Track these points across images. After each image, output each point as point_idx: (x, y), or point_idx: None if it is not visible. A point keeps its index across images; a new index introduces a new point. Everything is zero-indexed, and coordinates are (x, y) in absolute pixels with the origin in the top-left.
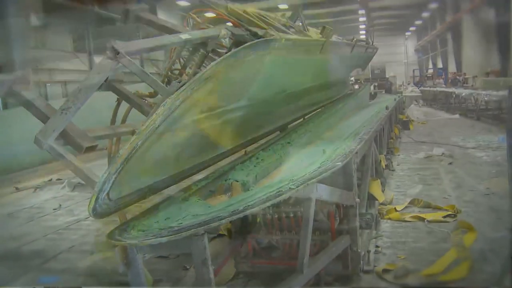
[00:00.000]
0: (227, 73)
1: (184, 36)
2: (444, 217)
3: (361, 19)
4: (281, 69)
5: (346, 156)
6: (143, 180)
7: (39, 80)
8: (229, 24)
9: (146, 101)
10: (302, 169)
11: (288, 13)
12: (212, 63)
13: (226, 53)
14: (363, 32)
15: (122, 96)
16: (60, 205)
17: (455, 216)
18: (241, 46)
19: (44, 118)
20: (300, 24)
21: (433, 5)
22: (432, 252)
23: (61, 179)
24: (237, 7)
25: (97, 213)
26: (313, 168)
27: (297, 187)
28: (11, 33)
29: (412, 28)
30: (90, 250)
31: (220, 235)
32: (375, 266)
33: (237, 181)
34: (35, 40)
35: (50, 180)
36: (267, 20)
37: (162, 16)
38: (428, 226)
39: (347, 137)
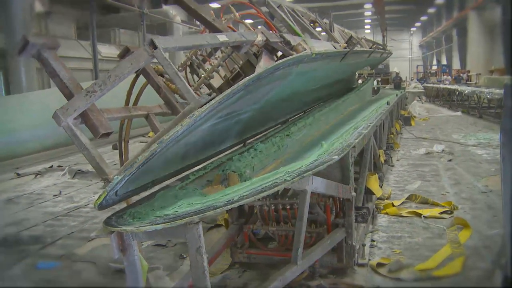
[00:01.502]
0: (255, 86)
1: (222, 38)
2: (441, 213)
3: (367, 13)
4: (302, 76)
5: (343, 149)
6: (150, 176)
7: (42, 68)
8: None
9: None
10: (299, 161)
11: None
12: (245, 81)
13: (254, 54)
14: (368, 26)
15: (154, 86)
16: (61, 191)
17: (451, 212)
18: (274, 65)
19: (65, 90)
20: (326, 22)
21: (439, 1)
22: (427, 247)
23: (61, 166)
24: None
25: (102, 207)
26: (309, 160)
27: (292, 179)
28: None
29: (417, 24)
30: (89, 236)
31: (217, 225)
32: (369, 260)
33: (234, 172)
34: (39, 27)
35: (51, 166)
36: (298, 18)
37: (167, 6)
38: (425, 221)
39: (345, 131)
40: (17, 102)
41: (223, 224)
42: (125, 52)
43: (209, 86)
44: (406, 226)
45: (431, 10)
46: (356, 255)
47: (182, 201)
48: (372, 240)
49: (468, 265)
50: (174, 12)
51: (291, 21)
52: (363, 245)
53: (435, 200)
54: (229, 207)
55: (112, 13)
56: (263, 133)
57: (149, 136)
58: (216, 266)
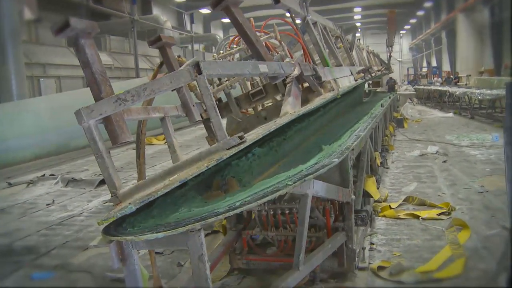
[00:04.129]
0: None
1: (263, 69)
2: (439, 214)
3: (356, 17)
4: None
5: (343, 152)
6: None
7: (32, 75)
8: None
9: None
10: (298, 165)
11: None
12: (279, 124)
13: (283, 81)
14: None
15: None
16: (54, 200)
17: (449, 213)
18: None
19: (94, 86)
20: (348, 41)
21: (427, 4)
22: (427, 249)
23: (54, 175)
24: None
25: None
26: (309, 164)
27: (294, 183)
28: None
29: (407, 27)
30: (84, 245)
31: (214, 232)
32: (370, 263)
33: (233, 177)
34: (28, 34)
35: (43, 175)
36: (328, 38)
37: (157, 12)
38: (423, 223)
39: (342, 134)
40: (8, 110)
41: (221, 231)
42: (156, 40)
43: (228, 96)
44: (404, 228)
45: (420, 13)
46: (356, 258)
47: (182, 208)
48: (371, 243)
49: (469, 266)
50: (164, 18)
51: (323, 47)
52: (363, 249)
53: (432, 202)
54: (231, 213)
55: (102, 20)
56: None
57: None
58: (215, 273)
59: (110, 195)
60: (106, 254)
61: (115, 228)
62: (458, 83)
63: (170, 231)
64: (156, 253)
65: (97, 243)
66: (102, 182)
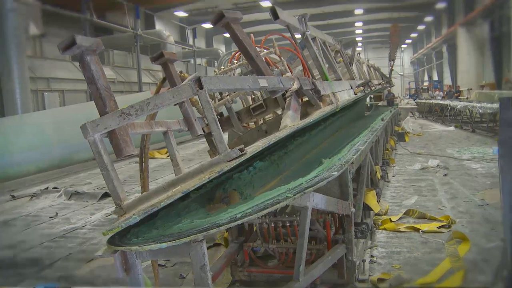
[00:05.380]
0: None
1: (262, 83)
2: (439, 227)
3: (358, 31)
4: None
5: (342, 166)
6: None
7: (37, 89)
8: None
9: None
10: (298, 178)
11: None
12: (278, 137)
13: (283, 95)
14: (360, 44)
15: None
16: (57, 213)
17: (449, 226)
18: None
19: (98, 101)
20: (348, 55)
21: (428, 18)
22: (427, 262)
23: (57, 188)
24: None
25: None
26: (309, 177)
27: (294, 195)
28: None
29: (408, 41)
30: (87, 258)
31: (216, 244)
32: (370, 275)
33: (235, 190)
34: (33, 49)
35: (47, 188)
36: (327, 52)
37: (160, 26)
38: (423, 236)
39: (343, 148)
40: (12, 123)
41: (222, 243)
42: (159, 57)
43: (229, 110)
44: (404, 241)
45: (421, 27)
46: (356, 271)
47: (185, 220)
48: (372, 256)
49: (468, 278)
50: (167, 33)
51: (323, 61)
52: (363, 261)
53: (433, 215)
54: (232, 224)
55: (105, 34)
56: (260, 150)
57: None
58: (217, 285)
59: (115, 206)
60: (109, 267)
61: (120, 238)
62: (459, 97)
63: (173, 241)
64: (159, 265)
65: (102, 253)
66: (104, 195)
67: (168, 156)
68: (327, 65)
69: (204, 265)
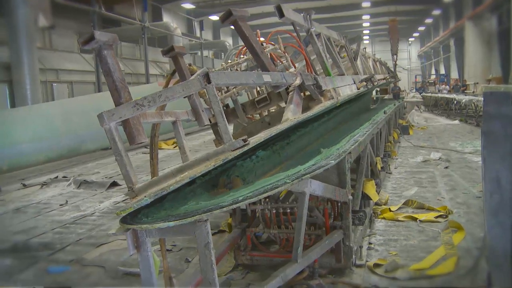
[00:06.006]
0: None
1: (266, 78)
2: (436, 217)
3: (365, 24)
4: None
5: (340, 155)
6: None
7: (46, 80)
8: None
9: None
10: (298, 166)
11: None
12: (279, 129)
13: (286, 89)
14: (367, 37)
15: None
16: (67, 201)
17: (446, 216)
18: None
19: (114, 92)
20: (353, 50)
21: (436, 12)
22: (422, 249)
23: (66, 177)
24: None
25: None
26: (307, 165)
27: (292, 181)
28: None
29: (415, 34)
30: (96, 242)
31: (220, 231)
32: (367, 261)
33: (238, 177)
34: (43, 41)
35: (56, 177)
36: (331, 48)
37: (167, 18)
38: (420, 225)
39: (343, 139)
40: (22, 114)
41: (226, 230)
42: (169, 50)
43: (235, 102)
44: (402, 229)
45: (428, 21)
46: (353, 256)
47: (191, 202)
48: (370, 243)
49: (461, 264)
50: (175, 25)
51: (326, 57)
52: (360, 247)
53: (431, 205)
54: (234, 206)
55: (113, 26)
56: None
57: (160, 147)
58: (220, 268)
59: (127, 189)
60: (117, 251)
61: (131, 218)
62: (465, 91)
63: (179, 220)
64: (166, 250)
65: (115, 231)
66: (112, 185)
67: (175, 147)
68: (330, 61)
69: (208, 243)
